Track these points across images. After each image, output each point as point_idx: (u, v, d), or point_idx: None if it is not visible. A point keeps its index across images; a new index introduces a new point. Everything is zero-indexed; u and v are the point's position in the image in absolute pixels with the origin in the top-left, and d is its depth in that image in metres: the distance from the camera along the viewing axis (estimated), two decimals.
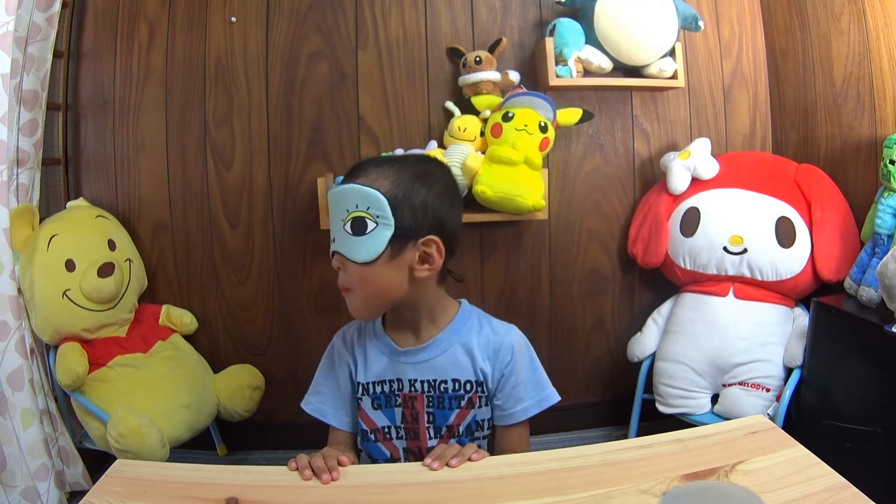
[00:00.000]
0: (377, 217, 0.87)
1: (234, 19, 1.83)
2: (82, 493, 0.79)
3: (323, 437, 1.01)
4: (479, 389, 0.98)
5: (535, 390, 0.98)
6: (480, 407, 0.98)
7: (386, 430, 0.99)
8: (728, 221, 1.73)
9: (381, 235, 0.87)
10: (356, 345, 1.02)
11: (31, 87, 1.62)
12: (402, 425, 0.98)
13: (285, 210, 1.89)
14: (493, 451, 0.98)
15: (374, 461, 1.00)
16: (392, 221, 0.87)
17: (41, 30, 1.62)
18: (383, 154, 1.82)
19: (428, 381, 0.96)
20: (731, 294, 1.74)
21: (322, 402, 1.01)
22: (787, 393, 1.60)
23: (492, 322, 1.02)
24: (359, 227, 0.87)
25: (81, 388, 1.57)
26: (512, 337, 1.00)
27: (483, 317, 1.02)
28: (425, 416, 0.97)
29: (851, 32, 1.70)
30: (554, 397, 0.99)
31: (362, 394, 0.99)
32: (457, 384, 0.96)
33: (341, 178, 0.97)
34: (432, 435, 0.98)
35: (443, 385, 0.96)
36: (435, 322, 0.97)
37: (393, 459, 0.99)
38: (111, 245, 1.73)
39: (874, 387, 1.36)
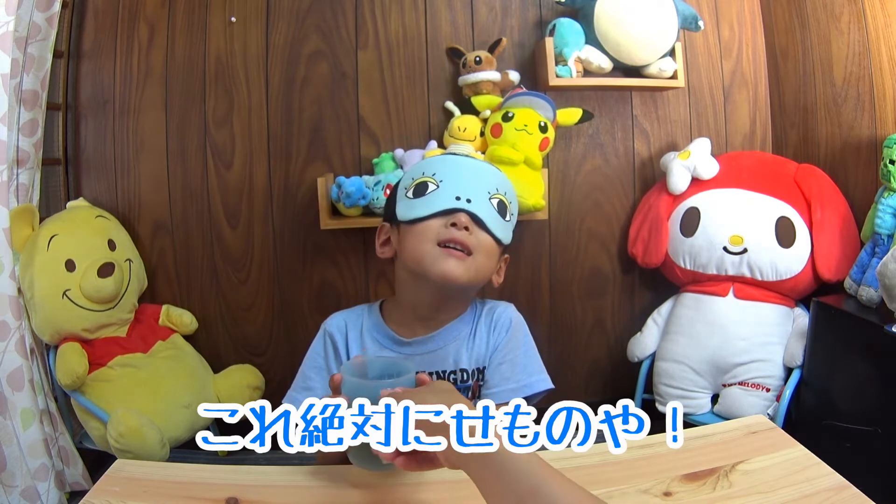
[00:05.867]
0: (511, 214, 0.94)
1: (234, 19, 1.83)
2: (82, 493, 0.79)
3: None
4: (482, 377, 0.96)
5: (523, 374, 0.94)
6: (479, 397, 0.95)
7: None
8: (728, 221, 1.73)
9: (510, 229, 0.94)
10: (350, 338, 0.96)
11: (31, 87, 1.62)
12: None
13: (285, 210, 1.89)
14: None
15: None
16: (514, 224, 0.95)
17: (41, 30, 1.62)
18: (385, 154, 1.82)
19: (437, 373, 0.94)
20: (731, 294, 1.74)
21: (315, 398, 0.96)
22: (787, 393, 1.60)
23: (489, 301, 1.02)
24: (503, 210, 0.92)
25: (81, 388, 1.57)
26: (510, 312, 0.99)
27: (480, 301, 1.01)
28: None
29: (851, 32, 1.70)
30: (543, 384, 0.94)
31: None
32: (465, 374, 0.94)
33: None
34: None
35: (452, 376, 0.95)
36: (452, 315, 0.95)
37: None
38: (111, 245, 1.73)
39: (874, 387, 1.36)
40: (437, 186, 0.89)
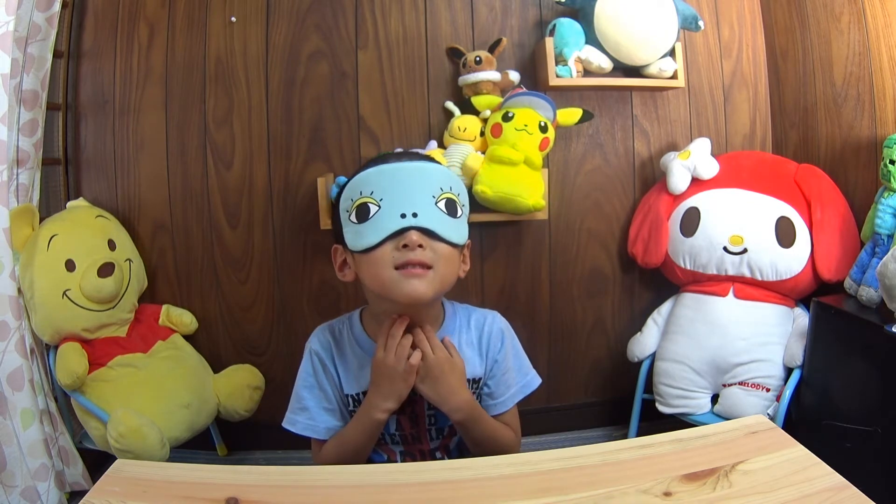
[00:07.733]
0: (462, 206, 0.90)
1: (234, 19, 1.83)
2: (82, 493, 0.79)
3: None
4: (475, 386, 0.97)
5: (519, 375, 1.00)
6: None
7: (381, 437, 0.95)
8: (728, 221, 1.73)
9: (464, 224, 0.90)
10: (336, 355, 0.96)
11: (31, 87, 1.62)
12: (398, 432, 0.96)
13: (285, 210, 1.89)
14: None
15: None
16: (467, 215, 0.91)
17: (41, 30, 1.62)
18: (383, 153, 1.82)
19: None
20: (731, 294, 1.74)
21: (311, 418, 0.95)
22: (787, 393, 1.60)
23: (474, 313, 1.01)
24: (452, 208, 0.88)
25: (81, 388, 1.56)
26: (499, 322, 1.01)
27: (462, 309, 1.01)
28: (426, 419, 0.96)
29: (851, 32, 1.70)
30: (536, 381, 1.01)
31: (354, 406, 0.95)
32: None
33: (382, 154, 0.94)
34: (434, 436, 0.97)
35: None
36: (432, 324, 0.95)
37: (390, 462, 0.97)
38: (111, 245, 1.73)
39: (874, 387, 1.36)
40: (379, 207, 0.84)
